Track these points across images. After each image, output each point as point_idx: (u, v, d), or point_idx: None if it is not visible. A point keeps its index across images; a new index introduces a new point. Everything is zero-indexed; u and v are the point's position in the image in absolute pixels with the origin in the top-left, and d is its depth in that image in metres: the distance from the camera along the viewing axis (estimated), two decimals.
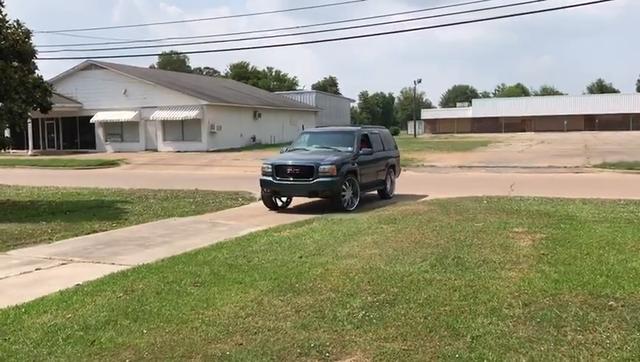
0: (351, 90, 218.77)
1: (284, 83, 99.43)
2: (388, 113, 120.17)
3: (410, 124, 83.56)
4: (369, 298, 5.45)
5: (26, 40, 13.34)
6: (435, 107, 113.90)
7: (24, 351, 4.39)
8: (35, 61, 13.89)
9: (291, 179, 12.41)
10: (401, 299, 5.40)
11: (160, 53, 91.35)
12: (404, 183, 16.09)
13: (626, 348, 4.16)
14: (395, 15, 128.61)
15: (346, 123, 58.83)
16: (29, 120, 14.97)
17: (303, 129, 32.02)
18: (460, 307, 5.12)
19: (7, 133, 17.14)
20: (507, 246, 7.59)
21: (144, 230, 10.25)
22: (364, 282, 5.98)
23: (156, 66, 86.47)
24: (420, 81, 74.17)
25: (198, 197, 14.83)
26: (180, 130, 38.31)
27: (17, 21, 13.42)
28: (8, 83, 12.67)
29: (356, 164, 12.83)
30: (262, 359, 4.14)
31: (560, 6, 21.00)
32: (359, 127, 14.83)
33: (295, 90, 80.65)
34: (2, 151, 16.65)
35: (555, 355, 4.07)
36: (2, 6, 13.24)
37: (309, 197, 13.09)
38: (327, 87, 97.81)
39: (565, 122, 73.19)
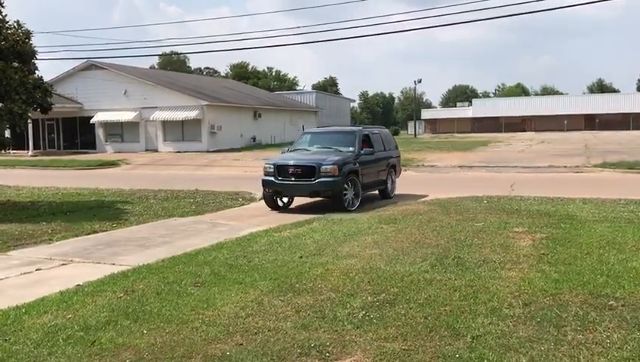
0: (351, 90, 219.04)
1: (285, 83, 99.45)
2: (388, 113, 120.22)
3: (411, 124, 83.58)
4: (369, 298, 5.45)
5: (27, 40, 13.34)
6: (435, 107, 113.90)
7: (24, 351, 4.40)
8: (36, 62, 13.91)
9: (293, 179, 12.42)
10: (401, 298, 5.40)
11: (160, 53, 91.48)
12: (404, 183, 16.10)
13: (627, 348, 4.16)
14: (395, 15, 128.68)
15: (346, 123, 58.91)
16: (29, 120, 14.99)
17: (304, 129, 32.09)
18: (460, 307, 5.12)
19: (7, 133, 17.16)
20: (507, 246, 7.59)
21: (144, 230, 10.26)
22: (364, 282, 5.98)
23: (156, 67, 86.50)
24: (420, 81, 74.28)
25: (199, 197, 14.83)
26: (180, 131, 38.32)
27: (17, 22, 13.44)
28: (8, 83, 12.68)
29: (358, 164, 12.85)
30: (262, 359, 4.15)
31: (559, 6, 21.03)
32: (360, 127, 14.84)
33: (295, 90, 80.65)
34: (3, 151, 16.65)
35: (555, 355, 4.07)
36: (2, 7, 13.25)
37: (311, 197, 13.11)
38: (328, 87, 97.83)
39: (565, 122, 73.18)
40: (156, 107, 37.58)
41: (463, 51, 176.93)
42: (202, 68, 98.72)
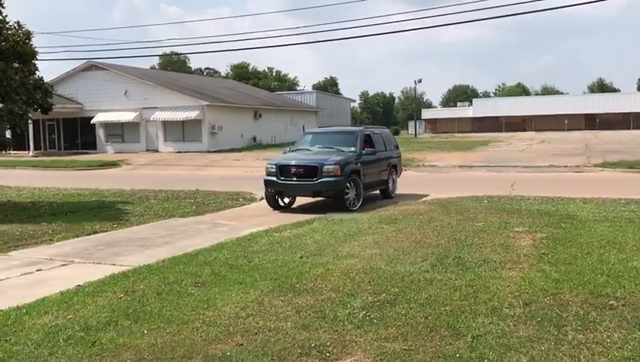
0: (351, 90, 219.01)
1: (285, 83, 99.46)
2: (388, 113, 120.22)
3: (411, 124, 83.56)
4: (370, 298, 5.45)
5: (27, 41, 13.35)
6: (436, 107, 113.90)
7: (25, 351, 4.40)
8: (36, 62, 13.92)
9: (295, 179, 12.44)
10: (401, 298, 5.40)
11: (160, 53, 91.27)
12: (405, 183, 16.11)
13: (627, 347, 4.16)
14: (395, 15, 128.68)
15: (347, 123, 58.93)
16: (29, 121, 15.00)
17: (304, 129, 32.10)
18: (460, 307, 5.11)
19: (8, 134, 17.18)
20: (508, 246, 7.59)
21: (145, 231, 10.26)
22: (364, 282, 5.98)
23: (157, 67, 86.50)
24: (420, 81, 74.43)
25: (199, 197, 14.84)
26: (180, 131, 38.33)
27: (18, 22, 13.44)
28: (9, 84, 12.69)
29: (359, 164, 12.87)
30: (262, 359, 4.15)
31: (559, 5, 21.05)
32: (362, 127, 14.87)
33: (296, 90, 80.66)
34: (3, 152, 16.71)
35: (555, 355, 4.07)
36: (2, 7, 13.26)
37: (313, 197, 13.13)
38: (328, 87, 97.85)
39: (566, 121, 73.15)
40: (157, 107, 37.60)
41: (463, 51, 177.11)
42: (203, 68, 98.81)
